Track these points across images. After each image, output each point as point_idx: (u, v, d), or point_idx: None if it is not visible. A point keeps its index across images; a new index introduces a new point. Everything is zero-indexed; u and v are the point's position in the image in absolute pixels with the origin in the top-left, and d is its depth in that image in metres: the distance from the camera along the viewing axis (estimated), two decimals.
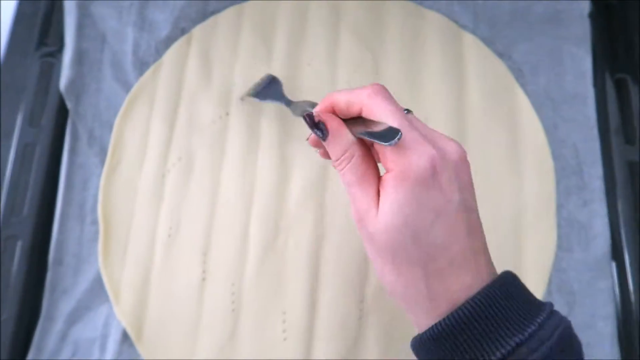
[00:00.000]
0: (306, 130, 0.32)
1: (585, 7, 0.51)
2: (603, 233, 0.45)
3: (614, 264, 0.44)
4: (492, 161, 0.47)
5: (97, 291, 0.43)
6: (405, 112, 0.30)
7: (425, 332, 0.28)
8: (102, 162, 0.47)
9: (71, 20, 0.50)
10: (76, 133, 0.47)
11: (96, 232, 0.45)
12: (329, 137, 0.30)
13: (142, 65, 0.50)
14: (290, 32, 0.51)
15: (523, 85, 0.49)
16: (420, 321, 0.29)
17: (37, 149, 0.47)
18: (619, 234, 0.45)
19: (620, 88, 0.50)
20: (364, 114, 0.30)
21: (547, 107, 0.48)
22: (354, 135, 0.30)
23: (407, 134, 0.28)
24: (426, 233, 0.28)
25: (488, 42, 0.51)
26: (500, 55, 0.50)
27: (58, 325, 0.42)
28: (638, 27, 0.51)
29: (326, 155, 0.33)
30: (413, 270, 0.28)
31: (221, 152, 0.47)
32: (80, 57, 0.49)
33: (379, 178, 0.30)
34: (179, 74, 0.50)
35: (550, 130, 0.48)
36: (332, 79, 0.49)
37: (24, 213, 0.45)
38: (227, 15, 0.52)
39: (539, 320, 0.26)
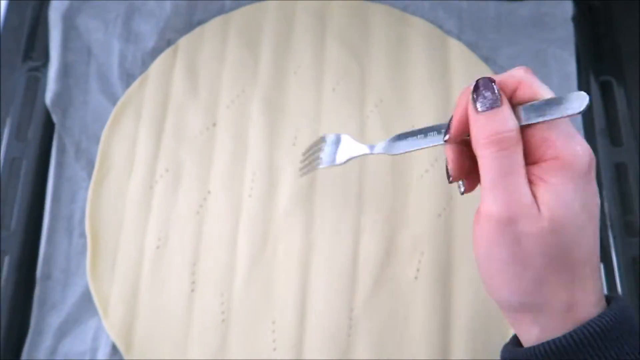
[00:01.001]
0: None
1: (569, 9, 0.51)
2: None
3: (602, 267, 0.44)
4: None
5: (86, 305, 0.43)
6: None
7: (542, 345, 0.26)
8: (90, 175, 0.47)
9: (56, 34, 0.50)
10: (63, 146, 0.47)
11: (84, 246, 0.45)
12: (499, 108, 0.26)
13: (128, 77, 0.50)
14: (276, 41, 0.51)
15: None
16: (547, 330, 0.26)
17: (23, 163, 0.47)
18: (607, 236, 0.45)
19: (605, 90, 0.50)
20: (521, 92, 0.27)
21: None
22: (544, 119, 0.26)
23: (569, 123, 0.26)
24: (584, 233, 0.25)
25: (473, 47, 0.51)
26: (486, 59, 0.51)
27: (47, 340, 0.42)
28: (622, 29, 0.52)
29: (470, 188, 0.31)
30: (562, 276, 0.25)
31: (209, 163, 0.47)
32: (66, 70, 0.50)
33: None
34: (166, 85, 0.50)
35: None
36: (318, 86, 0.50)
37: (12, 228, 0.45)
38: (213, 26, 0.52)
39: None
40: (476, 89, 0.27)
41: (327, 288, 0.43)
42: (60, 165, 0.47)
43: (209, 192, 0.46)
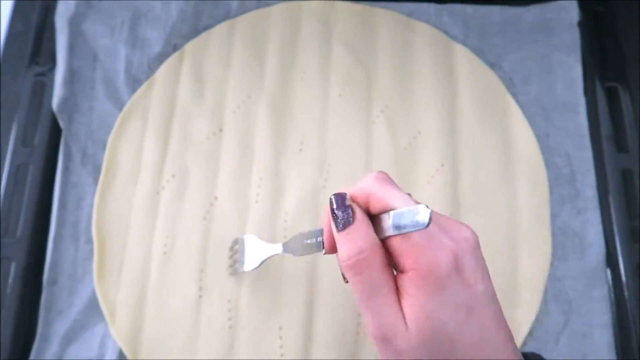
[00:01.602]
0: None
1: (575, 15, 0.51)
2: (597, 241, 0.45)
3: (609, 272, 0.44)
4: (486, 172, 0.47)
5: (93, 311, 0.43)
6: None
7: None
8: (96, 180, 0.47)
9: (63, 39, 0.50)
10: (69, 152, 0.47)
11: (91, 252, 0.45)
12: (353, 226, 0.26)
13: (134, 83, 0.50)
14: (282, 46, 0.51)
15: (514, 95, 0.50)
16: None
17: (30, 169, 0.47)
18: (614, 241, 0.45)
19: (611, 96, 0.50)
20: (372, 205, 0.27)
21: (538, 116, 0.49)
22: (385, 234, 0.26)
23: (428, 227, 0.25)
24: (462, 335, 0.25)
25: (478, 52, 0.51)
26: (491, 65, 0.51)
27: (54, 347, 0.42)
28: (628, 35, 0.52)
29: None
30: None
31: (215, 168, 0.47)
32: (72, 76, 0.50)
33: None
34: (172, 90, 0.50)
35: (543, 139, 0.48)
36: (324, 91, 0.50)
37: (18, 234, 0.45)
38: (219, 31, 0.52)
39: None
40: (331, 207, 0.27)
41: (334, 292, 0.43)
42: (66, 171, 0.47)
43: (215, 197, 0.46)
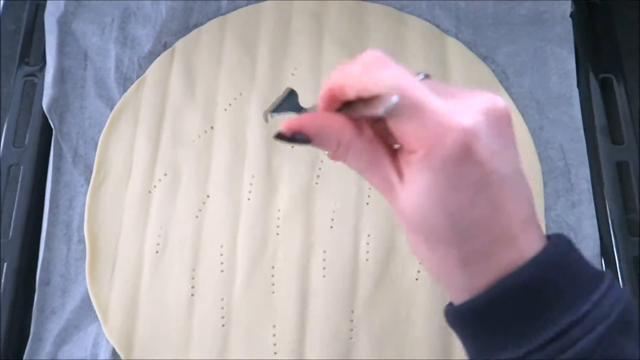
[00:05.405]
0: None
1: (568, 7, 0.51)
2: (592, 234, 0.44)
3: (604, 265, 0.44)
4: None
5: (86, 311, 0.43)
6: (423, 76, 0.26)
7: (462, 305, 0.25)
8: (88, 180, 0.46)
9: (52, 39, 0.50)
10: (60, 152, 0.47)
11: (83, 251, 0.45)
12: (313, 142, 0.26)
13: (125, 81, 0.50)
14: (273, 42, 0.51)
15: (507, 88, 0.49)
16: (457, 296, 0.26)
17: (21, 169, 0.47)
18: (609, 234, 0.45)
19: (605, 88, 0.49)
20: (363, 96, 0.25)
21: (532, 108, 0.48)
22: (358, 116, 0.26)
23: (426, 103, 0.23)
24: (465, 213, 0.24)
25: (471, 45, 0.51)
26: (484, 58, 0.50)
27: (47, 347, 0.42)
28: (621, 26, 0.51)
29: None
30: (449, 251, 0.25)
31: (207, 166, 0.47)
32: (62, 75, 0.49)
33: (394, 154, 0.26)
34: (163, 88, 0.49)
35: (536, 132, 0.48)
36: (316, 86, 0.49)
37: (10, 235, 0.45)
38: (209, 28, 0.52)
39: (595, 298, 0.23)
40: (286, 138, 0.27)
41: (328, 290, 0.43)
42: (58, 170, 0.47)
43: (207, 195, 0.46)
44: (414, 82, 0.24)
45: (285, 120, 0.27)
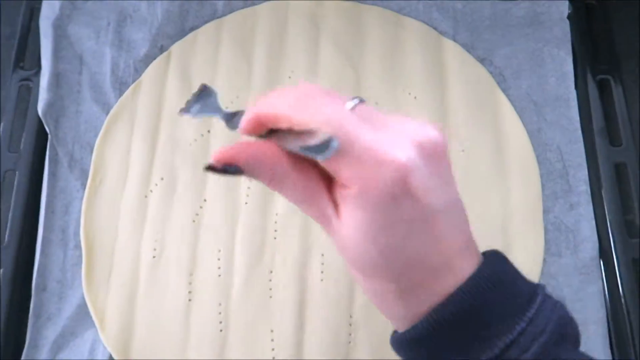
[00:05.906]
0: None
1: (565, 8, 0.51)
2: (591, 236, 0.44)
3: (603, 267, 0.44)
4: (477, 168, 0.46)
5: (83, 317, 0.43)
6: (356, 102, 0.24)
7: (403, 334, 0.26)
8: (84, 185, 0.46)
9: (48, 43, 0.50)
10: (56, 157, 0.47)
11: (80, 257, 0.44)
12: (245, 173, 0.25)
13: (121, 86, 0.49)
14: (269, 45, 0.51)
15: (505, 90, 0.49)
16: (398, 325, 0.27)
17: (16, 174, 0.46)
18: (607, 236, 0.45)
19: (603, 89, 0.49)
20: (295, 129, 0.24)
21: (530, 110, 0.48)
22: (288, 149, 0.25)
23: (360, 138, 0.22)
24: (401, 249, 0.24)
25: (468, 47, 0.50)
26: (481, 60, 0.50)
27: (44, 354, 0.42)
28: (619, 27, 0.51)
29: None
30: (386, 285, 0.25)
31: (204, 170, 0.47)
32: (58, 80, 0.49)
33: (329, 186, 0.25)
34: (159, 92, 0.49)
35: (534, 134, 0.47)
36: None
37: (6, 241, 0.45)
38: (206, 31, 0.51)
39: (529, 315, 0.24)
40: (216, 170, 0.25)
41: (326, 294, 0.43)
42: (53, 176, 0.46)
43: (204, 200, 0.46)
44: (347, 117, 0.23)
45: (216, 151, 0.25)
